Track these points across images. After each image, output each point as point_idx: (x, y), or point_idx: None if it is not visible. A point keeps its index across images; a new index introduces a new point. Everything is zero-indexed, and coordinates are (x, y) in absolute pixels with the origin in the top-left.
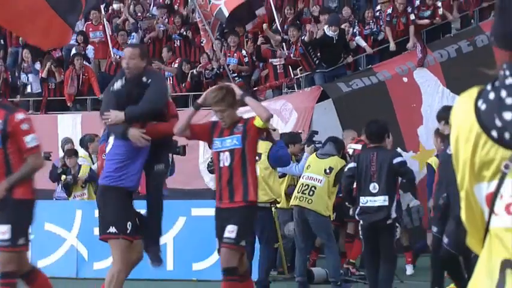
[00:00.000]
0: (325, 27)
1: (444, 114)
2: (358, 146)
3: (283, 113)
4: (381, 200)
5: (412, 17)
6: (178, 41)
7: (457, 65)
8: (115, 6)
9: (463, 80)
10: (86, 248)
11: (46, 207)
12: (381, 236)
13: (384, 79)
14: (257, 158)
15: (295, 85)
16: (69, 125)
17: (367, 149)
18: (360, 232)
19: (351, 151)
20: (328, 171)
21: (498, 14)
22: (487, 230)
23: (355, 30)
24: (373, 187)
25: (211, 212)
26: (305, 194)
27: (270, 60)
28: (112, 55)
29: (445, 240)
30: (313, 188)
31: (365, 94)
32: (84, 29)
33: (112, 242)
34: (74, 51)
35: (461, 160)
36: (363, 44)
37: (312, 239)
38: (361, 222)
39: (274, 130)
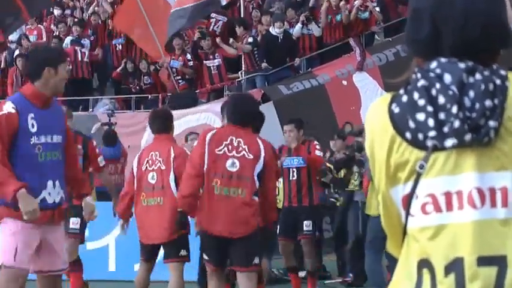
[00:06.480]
0: (270, 27)
1: None
2: None
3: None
4: None
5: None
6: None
7: (395, 69)
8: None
9: (401, 84)
10: None
11: None
12: None
13: (324, 82)
14: None
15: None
16: None
17: None
18: None
19: None
20: None
21: (409, 22)
22: (405, 233)
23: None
24: None
25: None
26: None
27: (204, 61)
28: None
29: None
30: None
31: (305, 97)
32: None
33: None
34: (17, 52)
35: (377, 163)
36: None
37: None
38: None
39: None
